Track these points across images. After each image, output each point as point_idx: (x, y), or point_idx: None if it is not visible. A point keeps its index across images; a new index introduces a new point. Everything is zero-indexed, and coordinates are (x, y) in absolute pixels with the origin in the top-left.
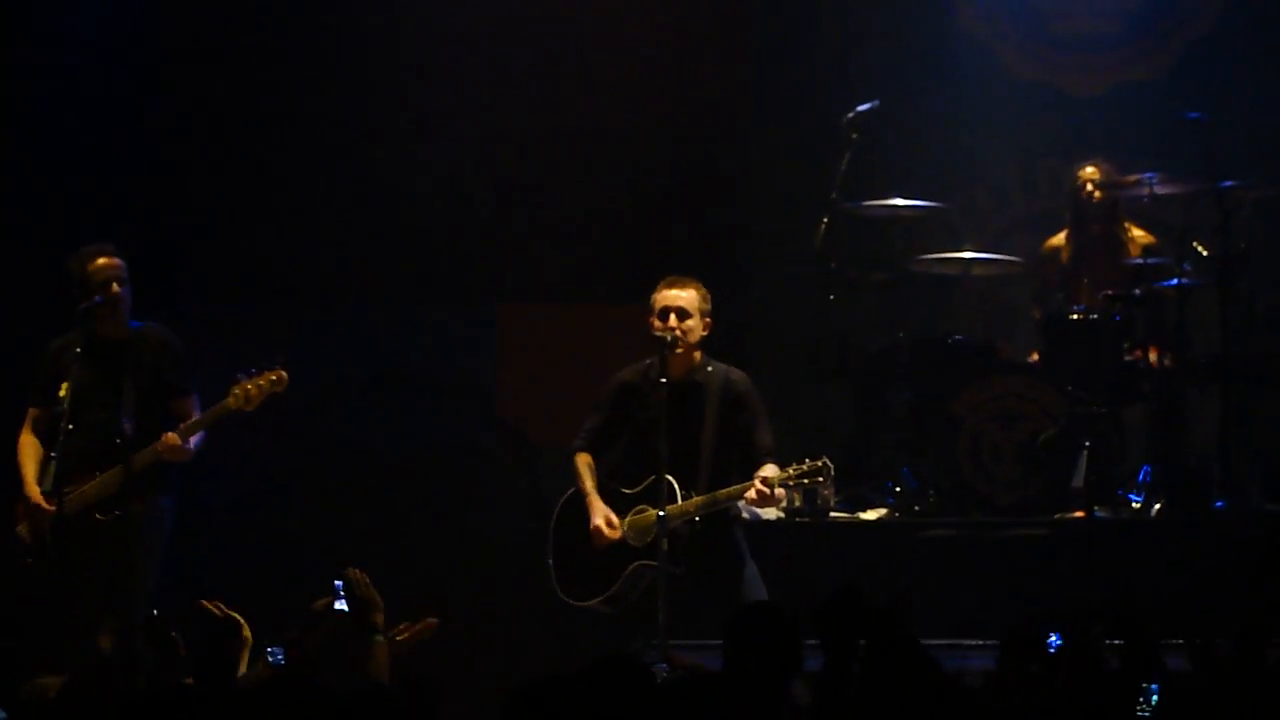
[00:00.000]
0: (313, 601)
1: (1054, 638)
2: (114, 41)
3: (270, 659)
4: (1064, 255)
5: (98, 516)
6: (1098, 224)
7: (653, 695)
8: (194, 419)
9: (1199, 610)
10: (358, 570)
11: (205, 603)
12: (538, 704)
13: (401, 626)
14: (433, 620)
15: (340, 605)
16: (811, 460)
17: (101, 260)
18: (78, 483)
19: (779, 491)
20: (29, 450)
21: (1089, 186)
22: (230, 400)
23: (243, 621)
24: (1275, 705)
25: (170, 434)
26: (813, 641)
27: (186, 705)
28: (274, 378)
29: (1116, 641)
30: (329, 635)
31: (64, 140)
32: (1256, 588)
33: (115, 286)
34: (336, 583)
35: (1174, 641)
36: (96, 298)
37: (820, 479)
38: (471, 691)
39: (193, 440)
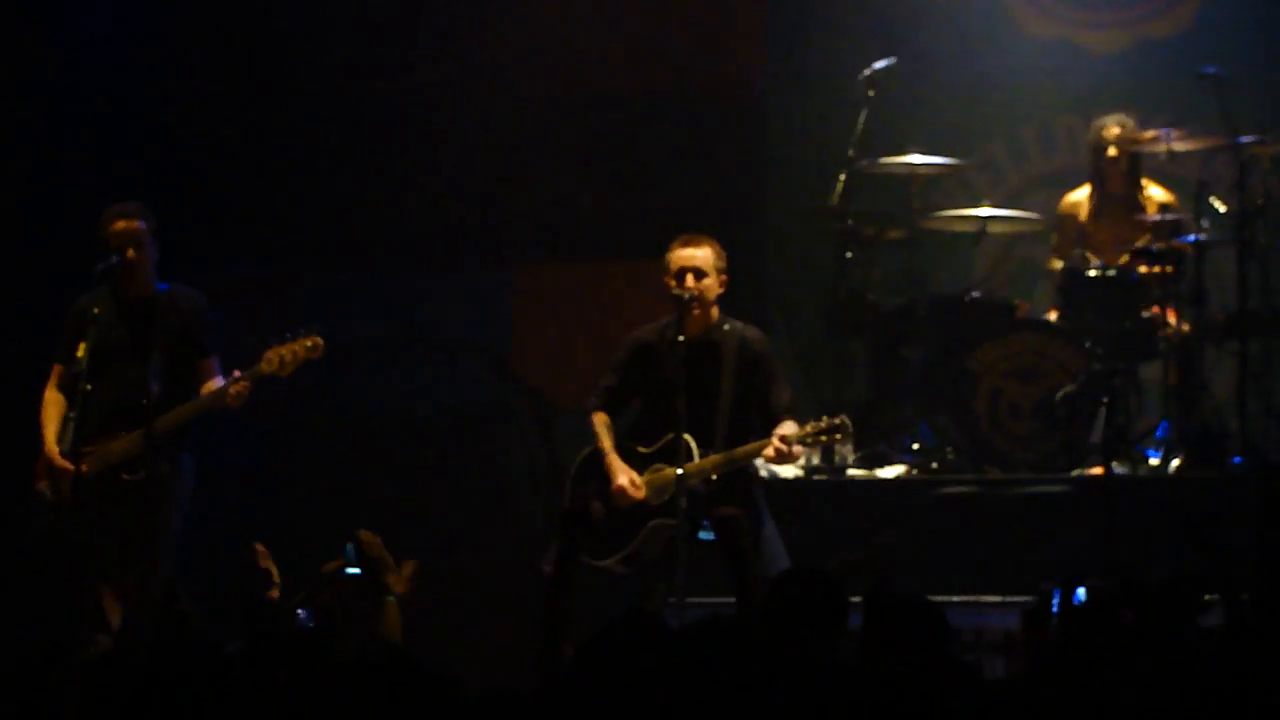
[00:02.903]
0: (324, 563)
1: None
2: (130, 7)
3: (298, 620)
4: (1083, 212)
5: (125, 476)
6: (1117, 181)
7: (681, 648)
8: (237, 373)
9: (1219, 565)
10: (369, 532)
11: (258, 546)
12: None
13: (389, 578)
14: (412, 562)
15: (352, 569)
16: (830, 418)
17: (120, 224)
18: (99, 442)
19: (797, 449)
20: (52, 408)
21: (1110, 144)
22: (263, 365)
23: (275, 579)
24: None
25: (234, 382)
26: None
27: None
28: (309, 344)
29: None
30: (343, 597)
31: (87, 101)
32: (1267, 543)
33: (131, 252)
34: (348, 545)
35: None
36: (114, 259)
37: (838, 436)
38: (489, 650)
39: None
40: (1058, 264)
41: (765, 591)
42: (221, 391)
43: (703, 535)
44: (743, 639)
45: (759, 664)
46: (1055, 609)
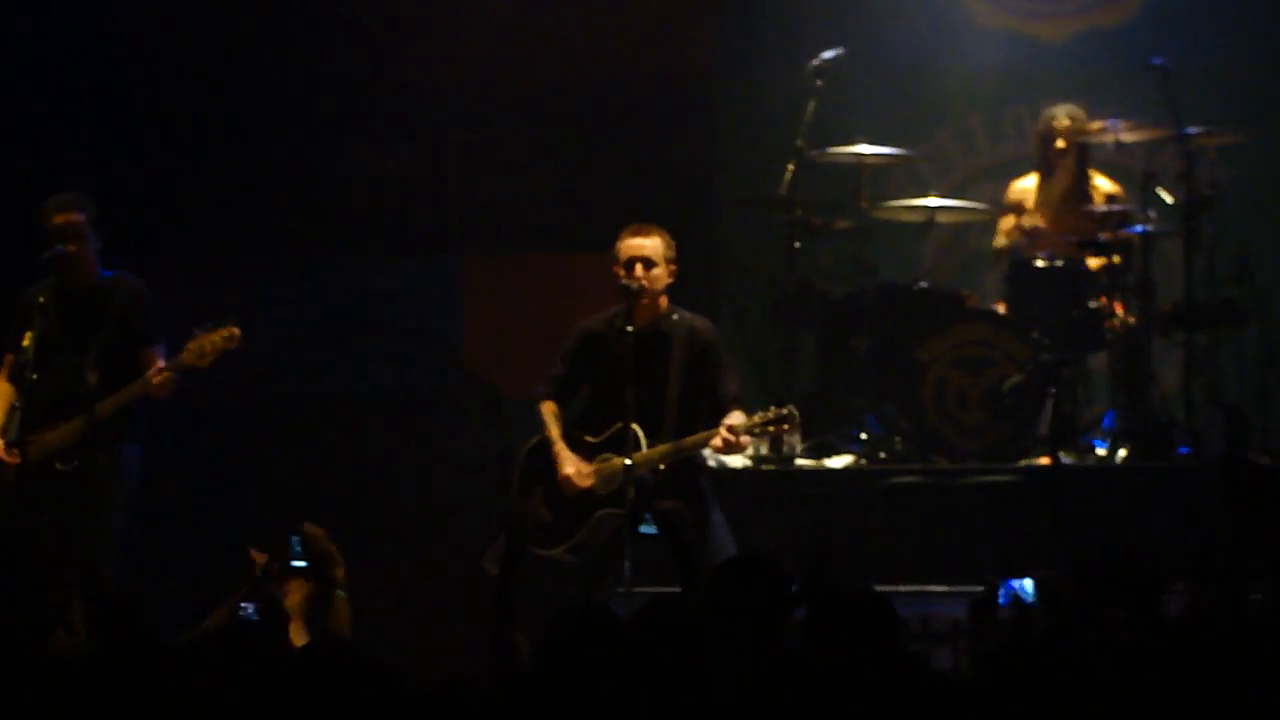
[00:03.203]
0: (268, 555)
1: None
2: None
3: (242, 614)
4: (1030, 201)
5: (58, 466)
6: (1065, 171)
7: (626, 643)
8: (159, 366)
9: (1167, 556)
10: (314, 526)
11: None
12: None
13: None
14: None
15: (298, 563)
16: (778, 408)
17: (59, 218)
18: (42, 432)
19: (745, 439)
20: (0, 398)
21: (1059, 135)
22: (184, 356)
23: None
24: (1259, 652)
25: (156, 372)
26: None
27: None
28: (226, 334)
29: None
30: (286, 591)
31: (25, 89)
32: (1233, 535)
33: (71, 246)
34: (292, 538)
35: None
36: (57, 248)
37: (786, 426)
38: (437, 639)
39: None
40: (1001, 240)
41: (708, 580)
42: (145, 381)
43: (644, 529)
44: (688, 627)
45: (705, 653)
46: (1002, 600)
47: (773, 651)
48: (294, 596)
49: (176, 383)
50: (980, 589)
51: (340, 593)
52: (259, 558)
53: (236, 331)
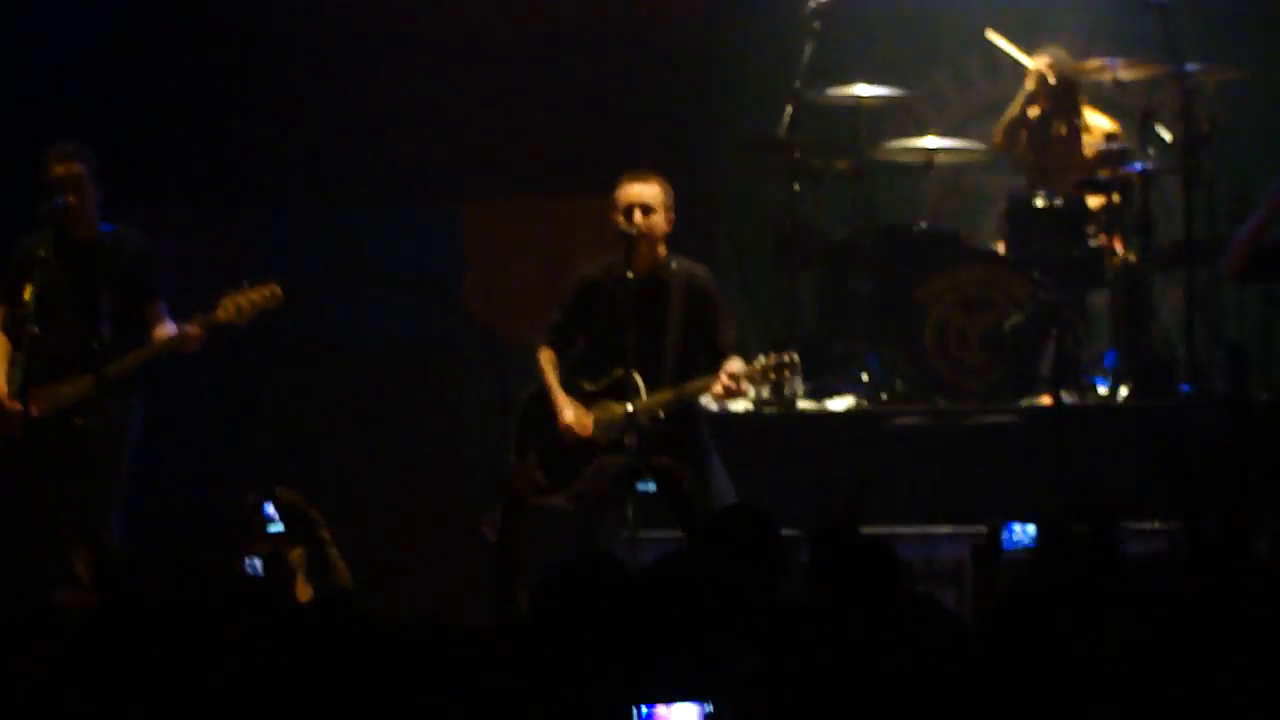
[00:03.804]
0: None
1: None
2: None
3: (248, 568)
4: (1024, 139)
5: (75, 421)
6: (1056, 109)
7: (637, 590)
8: (199, 318)
9: (1167, 494)
10: (286, 489)
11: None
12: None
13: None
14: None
15: (275, 526)
16: (778, 354)
17: (59, 168)
18: (49, 385)
19: (745, 385)
20: None
21: (1046, 73)
22: (220, 313)
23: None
24: (1263, 594)
25: (191, 326)
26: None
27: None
28: (268, 294)
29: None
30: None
31: (23, 40)
32: (1235, 474)
33: (72, 196)
34: (265, 504)
35: (1142, 526)
36: (57, 200)
37: (787, 373)
38: (440, 588)
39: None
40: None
41: (704, 529)
42: (177, 338)
43: (641, 487)
44: (696, 580)
45: (711, 605)
46: (1005, 544)
47: (770, 600)
48: (295, 553)
49: (205, 339)
50: (982, 531)
51: (333, 550)
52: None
53: (278, 290)
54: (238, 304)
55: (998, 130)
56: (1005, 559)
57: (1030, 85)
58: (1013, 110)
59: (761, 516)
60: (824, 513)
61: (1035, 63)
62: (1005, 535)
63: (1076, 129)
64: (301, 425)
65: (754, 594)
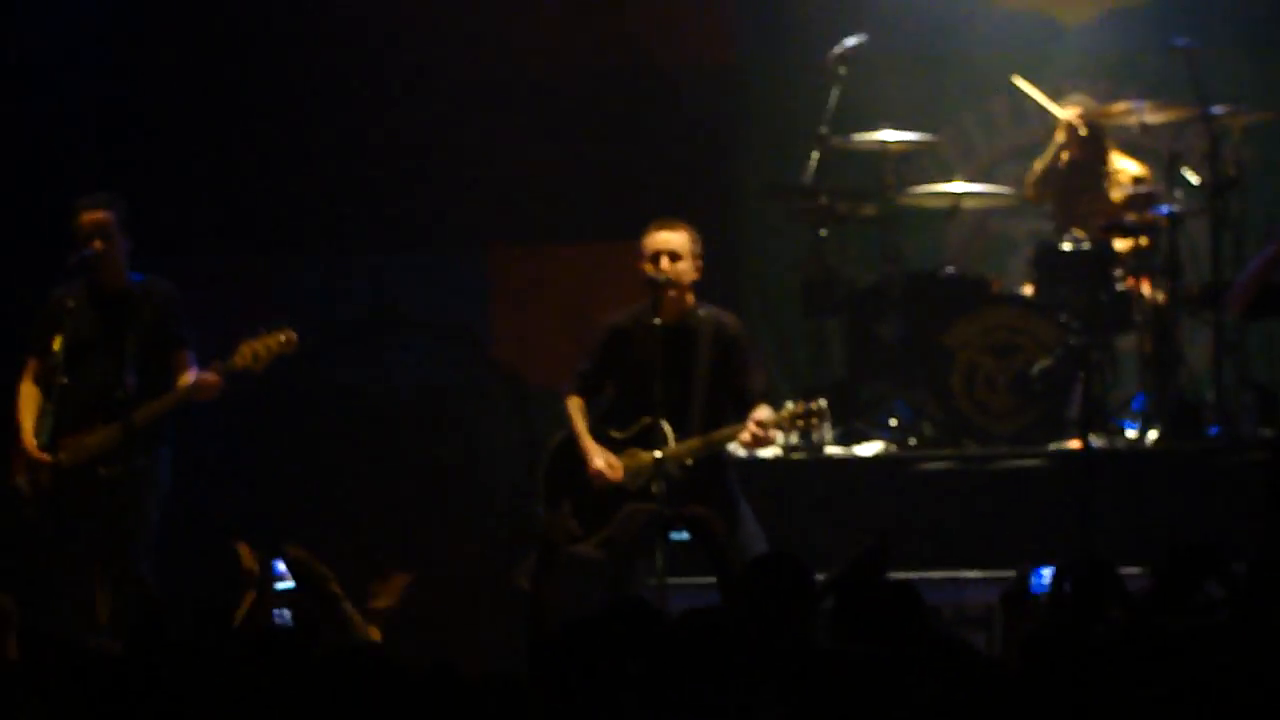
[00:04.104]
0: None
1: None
2: None
3: (277, 619)
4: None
5: (101, 470)
6: (1085, 157)
7: (672, 637)
8: (216, 365)
9: (1199, 537)
10: (295, 547)
11: (241, 546)
12: (567, 651)
13: (373, 589)
14: (403, 576)
15: (284, 584)
16: (806, 401)
17: (87, 216)
18: (76, 435)
19: (773, 433)
20: (28, 400)
21: (1076, 118)
22: (237, 359)
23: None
24: None
25: (208, 374)
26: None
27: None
28: (283, 339)
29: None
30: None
31: (52, 90)
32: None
33: (99, 244)
34: (274, 561)
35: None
36: (86, 251)
37: (815, 421)
38: (467, 636)
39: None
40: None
41: (737, 578)
42: (196, 386)
43: (675, 536)
44: (728, 630)
45: (743, 654)
46: (1034, 589)
47: (801, 647)
48: (382, 601)
49: (224, 386)
50: (1013, 576)
51: (346, 604)
52: (245, 552)
53: (294, 336)
54: (254, 350)
55: (1030, 182)
56: (1035, 603)
57: (1060, 136)
58: (1045, 161)
59: (795, 564)
60: (847, 559)
61: (1064, 113)
62: (1034, 579)
63: (1104, 174)
64: (328, 472)
65: (786, 643)
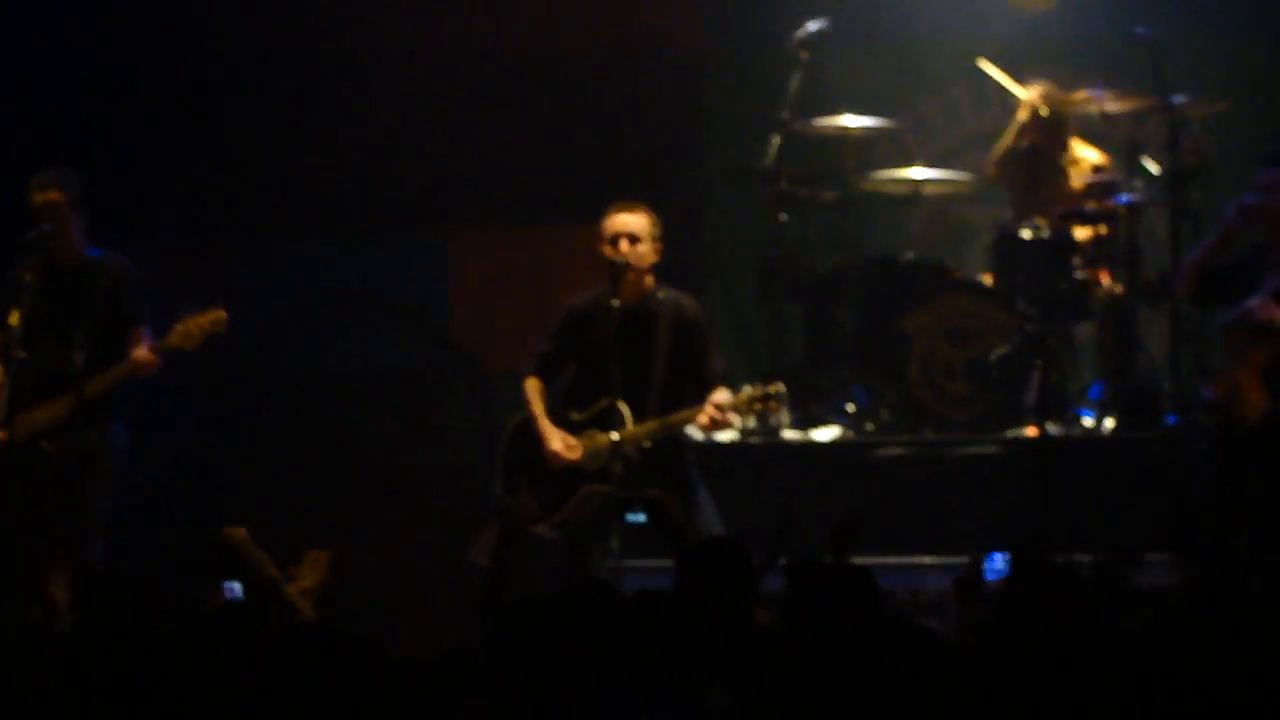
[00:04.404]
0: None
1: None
2: None
3: (228, 593)
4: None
5: (45, 445)
6: (1045, 142)
7: (625, 618)
8: (149, 344)
9: (1157, 526)
10: (234, 529)
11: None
12: (522, 627)
13: (293, 572)
14: (322, 553)
15: (234, 592)
16: (764, 385)
17: (38, 196)
18: (29, 410)
19: (730, 416)
20: None
21: (1037, 103)
22: (171, 338)
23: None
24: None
25: (144, 352)
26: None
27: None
28: (213, 318)
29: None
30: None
31: (11, 69)
32: (1219, 506)
33: (51, 224)
34: (227, 585)
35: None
36: (40, 227)
37: (772, 404)
38: (425, 616)
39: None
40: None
41: (677, 565)
42: (134, 363)
43: (631, 518)
44: (678, 611)
45: (693, 636)
46: (988, 574)
47: (744, 629)
48: (306, 580)
49: (161, 364)
50: (966, 562)
51: (286, 588)
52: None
53: (223, 315)
54: (187, 329)
55: (990, 161)
56: (989, 589)
57: (1022, 116)
58: (1005, 141)
59: (734, 547)
60: (793, 543)
61: (1027, 94)
62: (988, 565)
63: (1065, 161)
64: (288, 454)
65: (728, 625)
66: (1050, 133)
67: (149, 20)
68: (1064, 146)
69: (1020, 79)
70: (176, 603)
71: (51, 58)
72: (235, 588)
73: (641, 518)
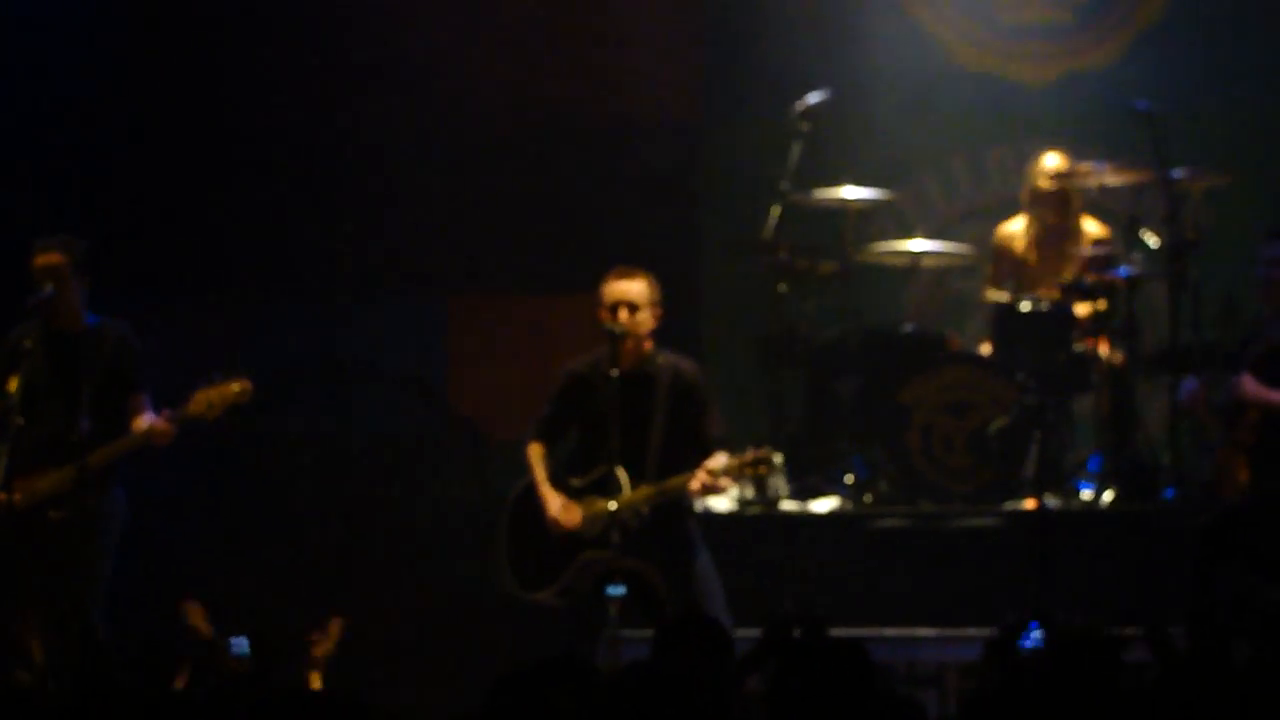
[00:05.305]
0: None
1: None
2: (64, 34)
3: (235, 650)
4: (1018, 245)
5: (51, 514)
6: (1054, 215)
7: (600, 694)
8: (166, 413)
9: (1151, 600)
10: (191, 607)
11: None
12: (517, 696)
13: (313, 637)
14: (339, 619)
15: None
16: (756, 450)
17: (40, 259)
18: (29, 478)
19: (724, 481)
20: None
21: (1049, 177)
22: (191, 407)
23: (205, 637)
24: (1241, 702)
25: (161, 421)
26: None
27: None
28: (237, 388)
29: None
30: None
31: (14, 129)
32: (1204, 582)
33: (51, 287)
34: (234, 641)
35: (1129, 632)
36: (47, 291)
37: (764, 469)
38: (425, 684)
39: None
40: (994, 295)
41: (655, 640)
42: (150, 432)
43: (611, 591)
44: (658, 685)
45: (672, 711)
46: (1026, 642)
47: (728, 705)
48: (322, 647)
49: (176, 433)
50: (994, 630)
51: (311, 651)
52: (194, 611)
53: (248, 385)
54: (209, 399)
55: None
56: (1022, 657)
57: (1044, 185)
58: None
59: (714, 624)
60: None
61: (1041, 163)
62: (1026, 634)
63: (1071, 232)
64: (284, 521)
65: (711, 702)
66: (1061, 206)
67: (147, 81)
68: (1075, 220)
69: (1023, 154)
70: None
71: (51, 119)
72: (243, 643)
73: (621, 590)
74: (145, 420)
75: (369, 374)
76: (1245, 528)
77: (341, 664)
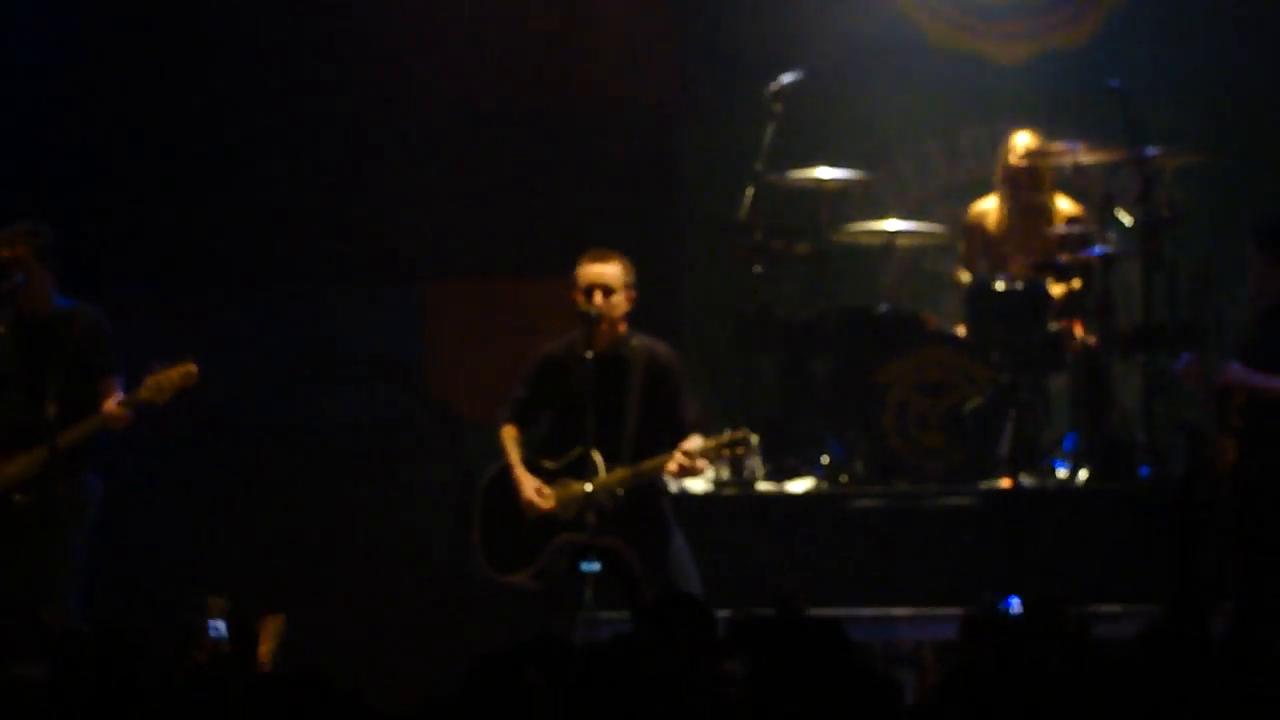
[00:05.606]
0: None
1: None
2: (42, 27)
3: (212, 634)
4: (990, 223)
5: (17, 498)
6: (1026, 193)
7: (580, 674)
8: (119, 398)
9: (1127, 578)
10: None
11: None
12: (491, 679)
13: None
14: (277, 618)
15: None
16: (732, 431)
17: (4, 251)
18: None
19: (700, 463)
20: None
21: (1021, 155)
22: (141, 392)
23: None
24: (1226, 681)
25: (115, 405)
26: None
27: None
28: (183, 372)
29: None
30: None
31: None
32: (1183, 562)
33: (16, 274)
34: (212, 624)
35: (1105, 609)
36: (17, 278)
37: (740, 450)
38: (401, 666)
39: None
40: (966, 275)
41: (636, 619)
42: (105, 416)
43: (586, 567)
44: (638, 663)
45: (652, 690)
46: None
47: (708, 682)
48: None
49: (132, 417)
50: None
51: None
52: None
53: (193, 369)
54: (158, 383)
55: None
56: (996, 626)
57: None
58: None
59: (693, 603)
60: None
61: (1013, 142)
62: (1003, 609)
63: (1045, 211)
64: (262, 508)
65: (694, 680)
66: (1034, 185)
67: (123, 76)
68: (1049, 198)
69: (998, 133)
70: (151, 655)
71: (29, 104)
72: (220, 627)
73: (596, 566)
74: (111, 404)
75: (345, 360)
76: (1228, 509)
77: (318, 647)
